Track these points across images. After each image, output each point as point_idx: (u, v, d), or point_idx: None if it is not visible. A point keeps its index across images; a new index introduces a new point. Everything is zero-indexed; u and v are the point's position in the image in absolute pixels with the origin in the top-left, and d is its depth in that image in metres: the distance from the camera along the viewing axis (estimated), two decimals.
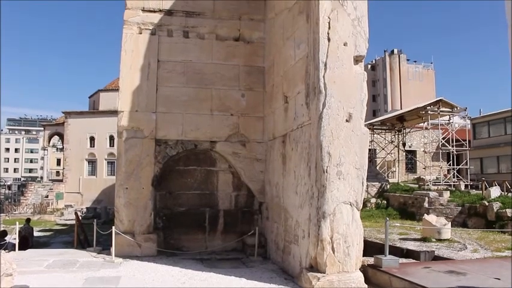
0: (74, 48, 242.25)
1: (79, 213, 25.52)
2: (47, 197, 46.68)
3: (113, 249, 10.40)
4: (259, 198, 12.15)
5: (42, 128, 63.65)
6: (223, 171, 12.30)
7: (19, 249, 12.02)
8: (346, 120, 7.97)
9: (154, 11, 12.03)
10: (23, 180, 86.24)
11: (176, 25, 12.10)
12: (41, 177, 72.66)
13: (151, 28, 11.94)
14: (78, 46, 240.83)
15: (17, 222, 14.17)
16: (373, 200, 27.92)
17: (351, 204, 7.90)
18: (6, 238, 14.50)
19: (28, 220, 18.83)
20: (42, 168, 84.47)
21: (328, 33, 8.05)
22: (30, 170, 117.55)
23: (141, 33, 11.88)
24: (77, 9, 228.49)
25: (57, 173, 76.27)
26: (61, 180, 51.26)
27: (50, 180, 58.57)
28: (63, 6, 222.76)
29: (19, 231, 13.52)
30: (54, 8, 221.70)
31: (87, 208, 40.64)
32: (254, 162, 12.09)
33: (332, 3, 8.17)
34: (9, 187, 75.31)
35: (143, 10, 11.98)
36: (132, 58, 11.73)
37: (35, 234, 19.50)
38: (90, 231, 14.49)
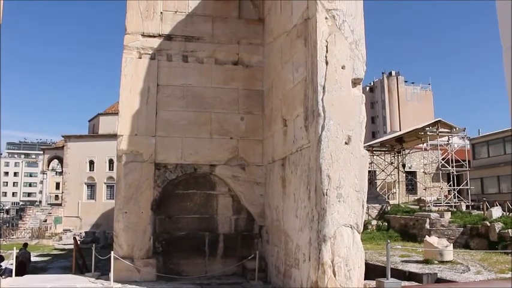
0: (73, 72, 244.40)
1: (78, 238, 25.30)
2: (45, 221, 46.35)
3: (111, 274, 10.28)
4: (259, 221, 12.07)
5: (42, 152, 63.67)
6: (222, 195, 12.25)
7: (16, 275, 11.86)
8: (345, 143, 7.98)
9: (153, 36, 12.18)
10: (22, 205, 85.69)
11: (175, 50, 12.24)
12: (40, 201, 72.23)
13: (150, 53, 12.07)
14: (78, 70, 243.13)
15: (15, 247, 14.03)
16: (374, 222, 27.73)
17: (351, 227, 7.85)
18: (3, 263, 14.34)
19: (25, 245, 18.65)
20: (41, 192, 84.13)
21: (326, 57, 8.13)
22: (29, 194, 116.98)
23: (140, 58, 12.00)
24: (77, 33, 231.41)
25: (56, 197, 75.93)
26: (60, 204, 51.02)
27: (48, 204, 58.23)
28: (63, 30, 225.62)
29: (16, 257, 13.35)
30: (54, 33, 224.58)
31: (85, 232, 40.32)
32: (254, 185, 12.06)
33: (329, 27, 8.28)
34: (7, 211, 74.83)
35: (143, 35, 12.13)
36: (131, 82, 11.82)
37: (33, 259, 19.30)
38: (89, 256, 14.32)
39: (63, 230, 44.22)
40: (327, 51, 8.14)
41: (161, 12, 12.32)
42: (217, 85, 12.28)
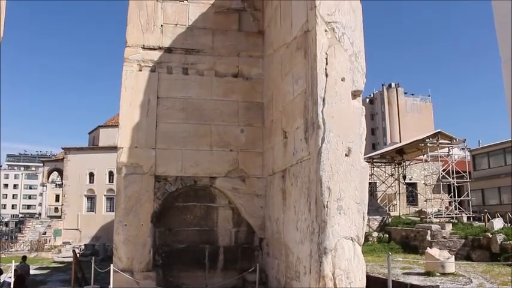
0: (74, 85, 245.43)
1: (77, 250, 25.17)
2: (44, 233, 46.11)
3: (111, 287, 10.20)
4: (259, 234, 12.01)
5: (42, 164, 63.60)
6: (223, 207, 12.22)
7: None
8: (346, 155, 7.97)
9: (154, 49, 12.24)
10: (21, 217, 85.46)
11: (176, 62, 12.29)
12: (39, 214, 72.03)
13: (151, 65, 12.12)
14: (78, 82, 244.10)
15: (13, 261, 13.95)
16: (375, 234, 27.60)
17: (352, 239, 7.80)
18: (1, 277, 14.24)
19: (24, 258, 18.53)
20: (40, 204, 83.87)
21: (325, 69, 8.16)
22: (29, 207, 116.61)
23: (141, 70, 12.05)
24: (77, 45, 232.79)
25: (56, 209, 75.67)
26: (59, 217, 50.81)
27: (48, 216, 58.06)
28: (63, 42, 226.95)
29: (15, 270, 13.29)
30: (54, 45, 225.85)
31: (85, 245, 40.09)
32: (254, 197, 12.03)
33: (329, 39, 8.32)
34: (6, 224, 74.57)
35: (143, 48, 12.19)
36: (132, 95, 11.85)
37: (32, 272, 19.16)
38: (88, 269, 14.25)
39: (63, 243, 43.98)
40: (326, 64, 8.17)
41: (161, 25, 12.40)
42: (217, 97, 12.31)
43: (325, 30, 8.37)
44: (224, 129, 12.20)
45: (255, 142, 12.28)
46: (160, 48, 12.26)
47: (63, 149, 51.38)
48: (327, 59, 8.21)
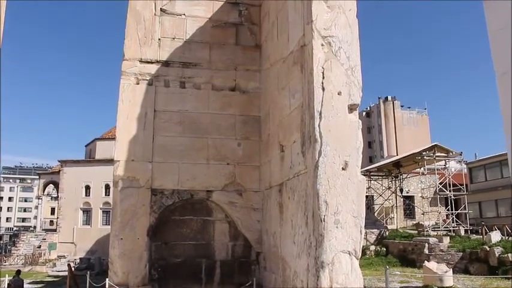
0: (70, 97, 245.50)
1: (72, 264, 24.91)
2: (39, 247, 45.68)
3: None
4: (256, 248, 11.94)
5: (38, 177, 63.28)
6: (219, 221, 12.15)
7: None
8: (343, 169, 7.97)
9: (151, 62, 12.28)
10: (16, 230, 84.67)
11: (173, 76, 12.33)
12: (34, 227, 71.43)
13: (148, 79, 12.15)
14: (75, 95, 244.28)
15: (7, 275, 13.81)
16: (372, 248, 27.50)
17: (349, 253, 7.76)
18: None
19: (18, 272, 18.31)
20: (35, 217, 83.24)
21: (322, 83, 8.20)
22: (24, 220, 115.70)
23: (138, 84, 12.07)
24: (74, 58, 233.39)
25: (51, 222, 75.12)
26: (55, 230, 50.39)
27: (43, 229, 57.56)
28: (60, 54, 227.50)
29: (8, 284, 13.15)
30: (51, 57, 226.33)
31: (80, 259, 39.71)
32: (251, 211, 11.98)
33: (326, 53, 8.37)
34: (0, 237, 73.86)
35: (141, 61, 12.23)
36: (129, 108, 11.85)
37: (26, 286, 18.91)
38: (83, 283, 14.10)
39: (58, 256, 43.57)
40: (323, 78, 8.21)
41: (159, 39, 12.46)
42: (214, 111, 12.33)
43: (322, 45, 8.43)
44: (221, 142, 12.19)
45: (252, 156, 12.27)
46: (157, 61, 12.30)
47: (59, 161, 51.16)
48: (323, 73, 8.26)
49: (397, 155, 53.09)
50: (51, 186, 59.84)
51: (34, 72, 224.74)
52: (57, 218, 50.06)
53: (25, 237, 50.66)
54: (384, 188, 37.50)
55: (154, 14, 12.53)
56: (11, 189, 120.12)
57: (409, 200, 41.20)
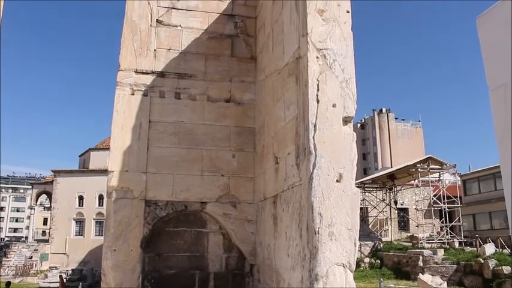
0: (65, 107, 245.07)
1: (64, 275, 24.67)
2: (30, 258, 45.23)
3: None
4: (250, 260, 11.87)
5: (30, 186, 62.87)
6: (213, 233, 12.08)
7: None
8: (337, 181, 7.96)
9: (147, 73, 12.29)
10: (7, 241, 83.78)
11: (168, 87, 12.33)
12: (26, 237, 70.72)
13: (143, 89, 12.14)
14: (70, 105, 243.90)
15: None
16: (367, 260, 27.49)
17: (344, 266, 7.72)
18: None
19: (8, 283, 18.17)
20: (27, 227, 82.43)
21: (317, 95, 8.22)
22: (15, 230, 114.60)
23: (133, 94, 12.06)
24: (69, 68, 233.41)
25: (43, 232, 74.48)
26: (47, 241, 49.98)
27: (35, 240, 57.07)
28: (55, 65, 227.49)
29: None
30: (46, 68, 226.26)
31: (72, 270, 39.42)
32: (245, 223, 11.93)
33: (320, 66, 8.41)
34: None
35: (136, 72, 12.23)
36: (124, 118, 11.82)
37: None
38: None
39: (49, 267, 43.17)
40: (318, 90, 8.25)
41: (155, 50, 12.49)
42: (209, 122, 12.33)
43: (317, 57, 8.47)
44: (216, 154, 12.18)
45: (247, 167, 12.26)
46: (153, 72, 12.32)
47: (53, 171, 50.95)
48: (318, 85, 8.29)
49: (391, 167, 53.28)
50: (44, 196, 59.46)
51: (29, 81, 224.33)
52: (50, 228, 49.69)
53: (16, 247, 50.19)
54: (378, 200, 37.56)
55: (150, 25, 12.58)
56: (3, 198, 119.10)
57: (403, 212, 41.26)
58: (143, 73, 12.44)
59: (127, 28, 12.48)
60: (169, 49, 12.84)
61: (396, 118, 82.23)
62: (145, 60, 12.50)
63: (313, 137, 8.14)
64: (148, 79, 12.46)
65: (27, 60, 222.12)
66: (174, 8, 12.66)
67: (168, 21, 12.79)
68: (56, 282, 27.17)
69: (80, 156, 53.72)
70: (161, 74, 12.61)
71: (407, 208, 41.74)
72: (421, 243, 28.58)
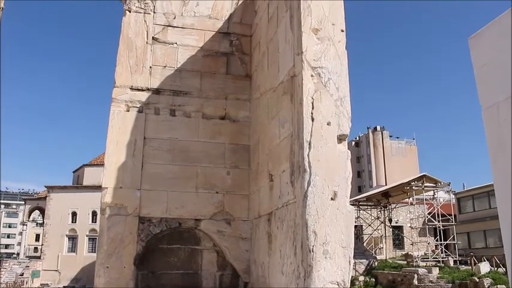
0: (59, 123, 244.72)
1: None
2: (22, 275, 44.55)
3: None
4: (244, 278, 11.76)
5: (23, 202, 62.31)
6: (207, 250, 11.99)
7: None
8: (331, 199, 7.96)
9: (142, 90, 12.32)
10: None
11: (163, 103, 12.36)
12: (17, 254, 69.82)
13: (138, 106, 12.16)
14: (64, 121, 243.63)
15: None
16: (362, 278, 27.30)
17: (338, 284, 7.67)
18: None
19: None
20: (19, 244, 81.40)
21: (311, 113, 8.27)
22: (7, 246, 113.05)
23: (128, 111, 12.07)
24: (64, 83, 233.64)
25: (35, 249, 73.59)
26: (39, 257, 49.38)
27: (26, 257, 56.32)
28: (50, 80, 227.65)
29: None
30: (41, 81, 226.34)
31: (64, 287, 38.83)
32: (239, 241, 11.85)
33: (315, 84, 8.48)
34: None
35: (131, 88, 12.27)
36: (118, 135, 11.81)
37: None
38: None
39: (41, 285, 42.56)
40: (312, 108, 8.30)
41: (150, 67, 12.55)
42: (204, 139, 12.34)
43: (312, 75, 8.55)
44: (210, 171, 12.16)
45: (241, 184, 12.23)
46: (148, 89, 12.36)
47: (46, 187, 50.55)
48: (313, 103, 8.35)
49: (385, 184, 53.32)
50: (36, 212, 58.89)
51: (22, 96, 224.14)
52: (42, 244, 49.12)
53: (7, 264, 49.37)
54: (372, 217, 37.50)
55: (146, 42, 12.67)
56: None
57: (398, 230, 41.14)
58: (138, 90, 12.47)
59: (123, 45, 12.55)
60: (164, 66, 12.91)
61: (391, 136, 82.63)
62: (141, 77, 12.55)
63: (308, 155, 8.16)
64: (143, 96, 12.49)
65: (22, 73, 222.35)
66: (170, 26, 12.77)
67: (164, 39, 12.88)
68: None
69: (73, 172, 53.41)
70: (156, 91, 12.65)
71: (402, 226, 41.64)
72: (416, 261, 28.46)
